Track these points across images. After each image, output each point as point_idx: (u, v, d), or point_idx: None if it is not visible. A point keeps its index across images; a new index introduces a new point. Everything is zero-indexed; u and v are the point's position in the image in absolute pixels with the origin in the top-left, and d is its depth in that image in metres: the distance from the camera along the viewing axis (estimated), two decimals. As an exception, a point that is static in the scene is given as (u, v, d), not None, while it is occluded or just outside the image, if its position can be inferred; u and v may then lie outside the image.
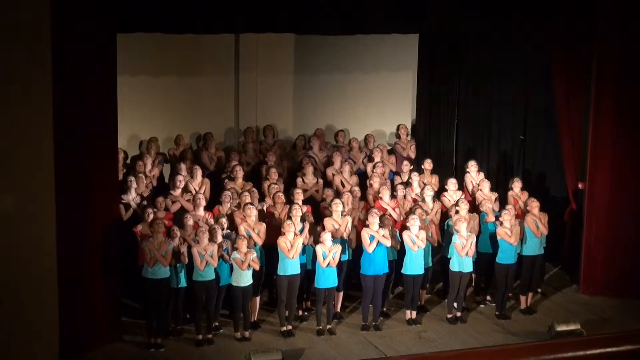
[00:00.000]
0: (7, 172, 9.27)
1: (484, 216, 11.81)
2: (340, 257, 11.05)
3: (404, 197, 12.25)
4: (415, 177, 12.66)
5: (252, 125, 14.26)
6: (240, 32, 13.58)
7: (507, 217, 11.42)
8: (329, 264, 10.85)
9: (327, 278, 10.92)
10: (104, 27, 10.05)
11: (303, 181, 12.64)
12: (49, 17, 9.31)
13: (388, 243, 11.06)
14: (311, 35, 13.70)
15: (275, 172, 12.43)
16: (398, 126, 14.47)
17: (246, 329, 10.88)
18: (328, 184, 12.77)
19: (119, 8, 10.14)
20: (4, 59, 9.10)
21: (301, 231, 11.05)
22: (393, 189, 12.43)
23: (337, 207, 11.33)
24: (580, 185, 12.57)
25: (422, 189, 12.24)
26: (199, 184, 12.16)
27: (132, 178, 11.80)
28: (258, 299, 11.26)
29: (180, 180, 11.96)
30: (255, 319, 11.22)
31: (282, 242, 10.82)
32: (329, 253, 10.84)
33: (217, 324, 11.04)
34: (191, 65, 14.12)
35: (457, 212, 11.67)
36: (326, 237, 10.88)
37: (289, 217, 11.05)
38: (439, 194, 12.49)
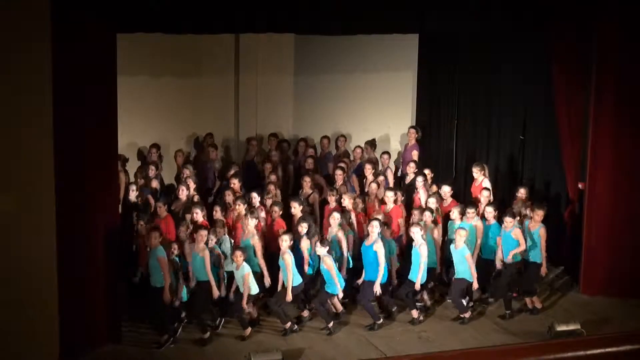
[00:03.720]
0: (7, 172, 9.26)
1: (489, 226, 11.83)
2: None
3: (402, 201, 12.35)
4: (420, 183, 12.64)
5: (252, 128, 14.30)
6: (240, 32, 13.58)
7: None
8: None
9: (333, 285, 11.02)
10: (104, 27, 10.05)
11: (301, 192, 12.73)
12: (49, 17, 9.30)
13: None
14: (311, 35, 13.71)
15: (273, 185, 12.48)
16: (409, 129, 14.48)
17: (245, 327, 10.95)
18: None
19: (119, 8, 10.13)
20: (4, 59, 9.08)
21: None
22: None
23: (333, 220, 11.40)
24: (580, 185, 12.56)
25: (426, 198, 12.26)
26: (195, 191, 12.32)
27: (134, 187, 11.97)
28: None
29: (183, 190, 12.06)
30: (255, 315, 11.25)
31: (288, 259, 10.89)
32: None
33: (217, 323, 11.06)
34: (191, 66, 14.13)
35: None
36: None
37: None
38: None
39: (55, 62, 9.41)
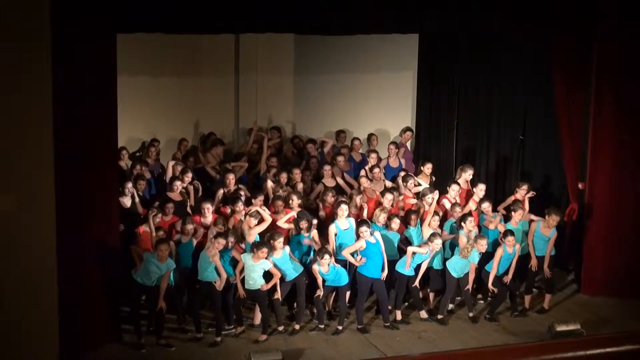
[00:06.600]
0: (7, 172, 9.25)
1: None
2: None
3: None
4: (410, 185, 12.62)
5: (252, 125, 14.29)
6: (240, 32, 13.60)
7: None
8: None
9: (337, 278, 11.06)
10: (104, 27, 10.06)
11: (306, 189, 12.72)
12: (49, 17, 9.30)
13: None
14: (311, 35, 13.72)
15: (284, 177, 12.45)
16: (404, 130, 14.45)
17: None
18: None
19: (119, 8, 10.14)
20: (4, 59, 9.07)
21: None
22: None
23: (342, 212, 11.35)
24: (580, 185, 12.57)
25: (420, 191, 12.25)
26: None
27: (130, 184, 11.84)
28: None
29: (178, 186, 12.00)
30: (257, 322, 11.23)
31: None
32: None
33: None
34: (191, 66, 14.14)
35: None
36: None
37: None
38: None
39: (56, 61, 9.40)
